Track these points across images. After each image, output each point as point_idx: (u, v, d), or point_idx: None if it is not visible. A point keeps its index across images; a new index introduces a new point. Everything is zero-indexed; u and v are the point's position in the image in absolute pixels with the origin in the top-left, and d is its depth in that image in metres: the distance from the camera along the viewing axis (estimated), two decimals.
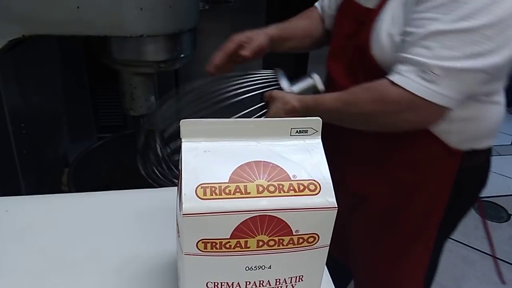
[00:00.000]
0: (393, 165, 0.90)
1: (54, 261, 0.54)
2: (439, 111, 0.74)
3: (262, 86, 0.91)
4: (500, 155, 2.69)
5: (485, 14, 0.65)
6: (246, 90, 0.90)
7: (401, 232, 0.95)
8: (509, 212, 2.18)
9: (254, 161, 0.38)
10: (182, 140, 0.39)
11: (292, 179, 0.38)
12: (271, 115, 0.85)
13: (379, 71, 0.80)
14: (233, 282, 0.39)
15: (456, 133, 0.85)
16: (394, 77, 0.74)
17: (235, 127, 0.40)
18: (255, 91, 0.90)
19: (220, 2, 1.44)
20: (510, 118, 3.18)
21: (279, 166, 0.38)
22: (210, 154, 0.38)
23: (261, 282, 0.40)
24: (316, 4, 1.08)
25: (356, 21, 0.88)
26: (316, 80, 0.93)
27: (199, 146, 0.39)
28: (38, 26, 0.94)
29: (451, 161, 0.87)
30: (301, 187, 0.37)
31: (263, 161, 0.38)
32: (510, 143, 2.84)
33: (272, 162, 0.38)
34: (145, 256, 0.55)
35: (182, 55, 1.13)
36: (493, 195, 2.29)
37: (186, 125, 0.39)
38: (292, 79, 0.94)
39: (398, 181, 0.91)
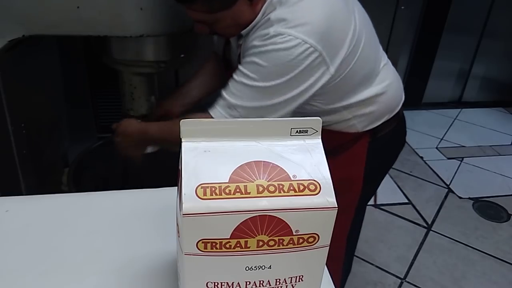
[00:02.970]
0: None
1: (54, 261, 0.54)
2: None
3: None
4: (500, 155, 2.69)
5: (276, 78, 0.89)
6: None
7: None
8: (509, 212, 2.18)
9: (254, 161, 0.38)
10: (182, 140, 0.39)
11: (292, 179, 0.38)
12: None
13: None
14: (233, 282, 0.39)
15: (357, 124, 1.04)
16: (209, 108, 0.95)
17: (235, 127, 0.40)
18: None
19: None
20: (510, 118, 3.18)
21: (279, 166, 0.38)
22: (210, 154, 0.38)
23: (261, 282, 0.40)
24: (213, 50, 1.25)
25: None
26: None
27: (199, 146, 0.39)
28: (38, 26, 0.94)
29: (361, 140, 1.07)
30: (301, 187, 0.37)
31: (263, 161, 0.38)
32: (510, 143, 2.84)
33: (272, 162, 0.38)
34: (145, 256, 0.55)
35: (182, 55, 1.13)
36: (493, 195, 2.29)
37: (186, 125, 0.39)
38: None
39: None
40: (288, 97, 0.91)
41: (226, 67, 1.13)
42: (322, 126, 0.41)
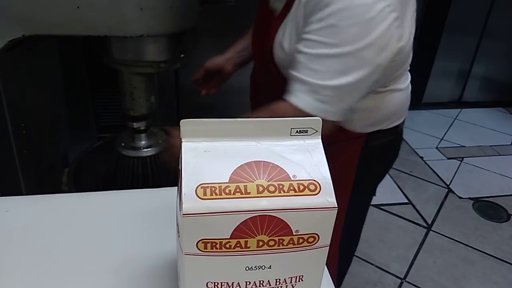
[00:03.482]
0: None
1: (54, 261, 0.54)
2: (330, 124, 0.82)
3: None
4: (500, 155, 2.69)
5: (359, 40, 0.75)
6: None
7: None
8: (509, 212, 2.18)
9: (254, 161, 0.38)
10: (182, 140, 0.39)
11: (292, 179, 0.38)
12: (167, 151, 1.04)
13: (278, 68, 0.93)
14: (233, 282, 0.39)
15: (358, 121, 0.94)
16: (289, 97, 0.81)
17: (235, 127, 0.40)
18: None
19: (220, 2, 1.43)
20: (510, 118, 3.18)
21: (279, 166, 0.38)
22: (210, 154, 0.38)
23: (261, 282, 0.40)
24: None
25: (264, 23, 0.97)
26: None
27: (199, 146, 0.39)
28: (38, 26, 0.94)
29: (356, 141, 0.98)
30: (301, 187, 0.37)
31: (263, 161, 0.38)
32: (510, 143, 2.84)
33: (272, 162, 0.38)
34: (145, 256, 0.55)
35: (182, 55, 1.13)
36: (493, 195, 2.29)
37: (186, 125, 0.39)
38: None
39: None
40: (373, 67, 0.78)
41: (268, 16, 0.96)
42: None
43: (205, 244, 0.37)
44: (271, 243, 0.38)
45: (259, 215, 0.36)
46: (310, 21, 0.79)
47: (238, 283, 0.40)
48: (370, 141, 0.99)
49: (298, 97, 0.80)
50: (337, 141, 0.96)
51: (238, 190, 0.36)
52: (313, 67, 0.78)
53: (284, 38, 0.89)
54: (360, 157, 1.00)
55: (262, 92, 1.10)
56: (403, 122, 1.05)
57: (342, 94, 0.80)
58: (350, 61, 0.77)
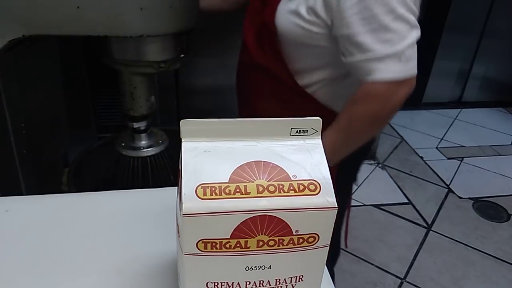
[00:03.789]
0: None
1: (54, 261, 0.54)
2: (414, 81, 0.87)
3: None
4: (500, 155, 2.69)
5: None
6: None
7: None
8: (509, 212, 2.18)
9: (254, 161, 0.38)
10: (182, 140, 0.39)
11: (292, 179, 0.38)
12: None
13: (281, 43, 0.93)
14: (233, 282, 0.39)
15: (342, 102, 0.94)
16: (373, 77, 0.83)
17: (235, 127, 0.40)
18: None
19: None
20: (510, 118, 3.18)
21: (279, 166, 0.38)
22: (210, 154, 0.38)
23: (261, 282, 0.40)
24: None
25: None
26: None
27: (199, 146, 0.39)
28: (38, 26, 0.94)
29: None
30: (301, 187, 0.37)
31: (263, 161, 0.38)
32: (510, 143, 2.85)
33: (272, 162, 0.38)
34: (145, 256, 0.55)
35: (182, 55, 1.13)
36: (493, 195, 2.29)
37: (186, 125, 0.39)
38: None
39: None
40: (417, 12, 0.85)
41: None
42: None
43: (205, 244, 0.37)
44: (271, 243, 0.38)
45: (259, 215, 0.36)
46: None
47: (238, 283, 0.40)
48: None
49: (383, 71, 0.82)
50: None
51: (238, 190, 0.36)
52: (384, 37, 0.80)
53: (293, 2, 0.89)
54: None
55: (249, 82, 1.11)
56: None
57: (415, 46, 0.84)
58: (407, 15, 0.81)
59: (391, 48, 0.81)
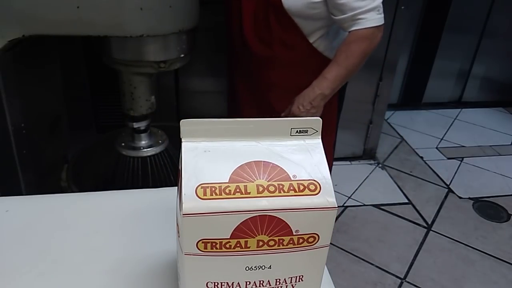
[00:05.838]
0: (301, 86, 1.24)
1: (54, 261, 0.54)
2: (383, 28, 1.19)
3: None
4: (500, 155, 2.69)
5: None
6: None
7: None
8: (509, 212, 2.17)
9: (254, 161, 0.38)
10: (182, 140, 0.39)
11: (292, 179, 0.38)
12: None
13: (284, 15, 1.17)
14: (233, 282, 0.39)
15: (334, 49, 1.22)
16: (359, 25, 1.13)
17: (235, 127, 0.40)
18: None
19: (220, 2, 1.43)
20: (510, 118, 3.18)
21: (279, 166, 0.38)
22: (210, 154, 0.38)
23: (261, 282, 0.40)
24: None
25: None
26: None
27: (199, 146, 0.39)
28: (38, 26, 0.94)
29: None
30: (301, 187, 0.37)
31: (263, 161, 0.38)
32: (510, 143, 2.84)
33: (272, 162, 0.38)
34: (145, 256, 0.55)
35: (182, 55, 1.13)
36: (493, 195, 2.29)
37: (186, 125, 0.39)
38: None
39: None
40: None
41: None
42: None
43: (205, 244, 0.37)
44: (271, 243, 0.38)
45: (259, 215, 0.36)
46: None
47: (238, 283, 0.40)
48: None
49: (369, 20, 1.12)
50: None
51: (238, 190, 0.36)
52: None
53: None
54: None
55: (246, 61, 1.31)
56: None
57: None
58: None
59: (372, 3, 1.11)
